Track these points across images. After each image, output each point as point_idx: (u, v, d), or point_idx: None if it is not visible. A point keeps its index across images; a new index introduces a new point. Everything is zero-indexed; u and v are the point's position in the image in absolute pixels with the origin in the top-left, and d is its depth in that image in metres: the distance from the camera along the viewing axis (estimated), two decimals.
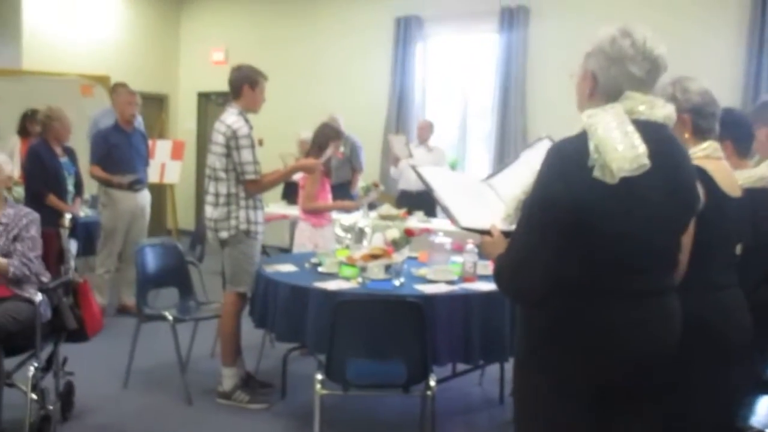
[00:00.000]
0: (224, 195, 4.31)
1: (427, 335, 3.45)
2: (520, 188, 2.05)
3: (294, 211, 6.60)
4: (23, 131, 7.20)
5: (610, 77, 1.94)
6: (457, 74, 8.96)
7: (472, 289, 3.88)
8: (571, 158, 1.85)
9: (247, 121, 4.34)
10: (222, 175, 4.30)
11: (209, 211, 4.38)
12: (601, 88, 1.97)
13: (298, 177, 5.14)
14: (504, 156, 8.19)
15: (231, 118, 4.32)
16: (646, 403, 2.02)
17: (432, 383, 3.51)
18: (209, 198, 4.39)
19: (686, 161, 2.01)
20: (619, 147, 1.80)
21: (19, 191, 5.99)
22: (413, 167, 2.65)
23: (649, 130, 1.88)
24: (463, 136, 8.94)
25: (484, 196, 2.35)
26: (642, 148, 1.82)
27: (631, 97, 1.92)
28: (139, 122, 8.35)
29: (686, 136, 2.30)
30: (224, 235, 4.33)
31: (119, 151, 6.12)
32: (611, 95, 1.95)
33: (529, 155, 2.37)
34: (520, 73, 8.14)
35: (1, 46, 9.90)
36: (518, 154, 2.48)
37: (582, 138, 1.86)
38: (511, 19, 8.12)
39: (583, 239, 1.85)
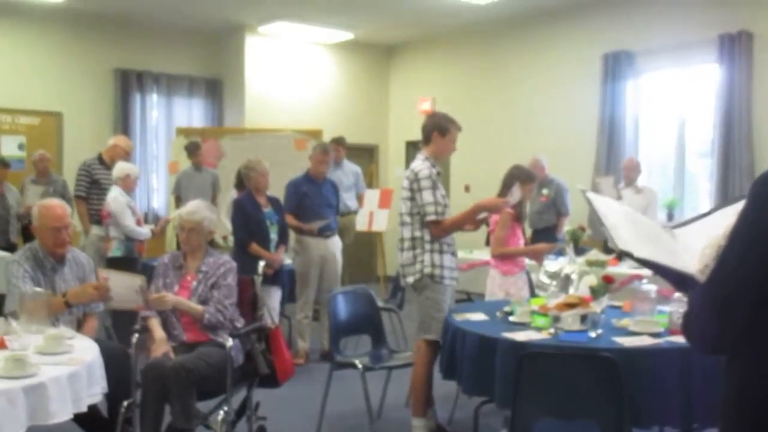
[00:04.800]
0: (409, 239, 4.29)
1: (624, 393, 3.11)
2: (720, 238, 1.74)
3: None
4: (240, 185, 7.67)
5: None
6: (673, 110, 8.35)
7: (681, 343, 3.45)
8: None
9: (433, 165, 4.32)
10: (407, 219, 4.29)
11: (399, 257, 4.38)
12: None
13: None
14: (728, 197, 7.47)
15: (416, 163, 4.36)
16: None
17: None
18: (398, 243, 4.41)
19: None
20: None
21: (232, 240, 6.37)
22: (581, 190, 2.39)
23: None
24: (680, 176, 8.28)
25: (661, 238, 2.05)
26: None
27: None
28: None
29: None
30: (410, 279, 4.30)
31: (309, 200, 6.34)
32: None
33: (726, 212, 2.04)
34: (744, 105, 7.42)
35: (229, 108, 10.85)
36: (710, 210, 2.15)
37: None
38: (732, 46, 7.45)
39: None
